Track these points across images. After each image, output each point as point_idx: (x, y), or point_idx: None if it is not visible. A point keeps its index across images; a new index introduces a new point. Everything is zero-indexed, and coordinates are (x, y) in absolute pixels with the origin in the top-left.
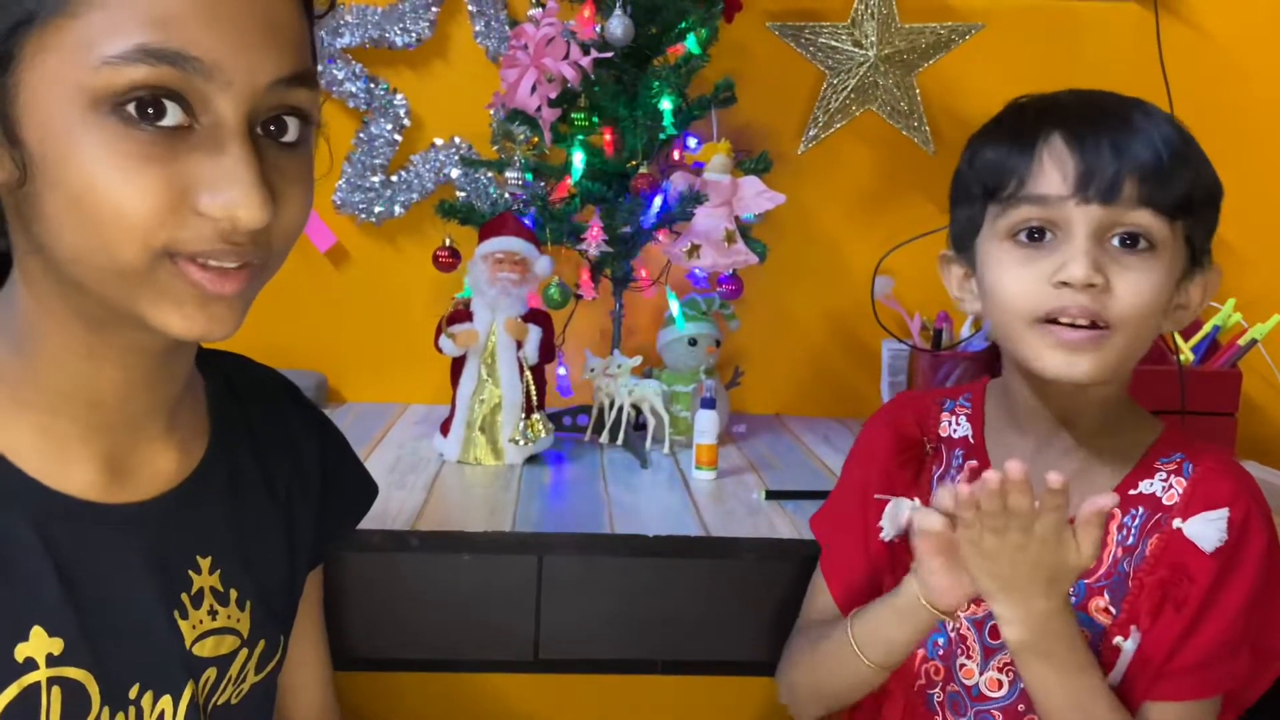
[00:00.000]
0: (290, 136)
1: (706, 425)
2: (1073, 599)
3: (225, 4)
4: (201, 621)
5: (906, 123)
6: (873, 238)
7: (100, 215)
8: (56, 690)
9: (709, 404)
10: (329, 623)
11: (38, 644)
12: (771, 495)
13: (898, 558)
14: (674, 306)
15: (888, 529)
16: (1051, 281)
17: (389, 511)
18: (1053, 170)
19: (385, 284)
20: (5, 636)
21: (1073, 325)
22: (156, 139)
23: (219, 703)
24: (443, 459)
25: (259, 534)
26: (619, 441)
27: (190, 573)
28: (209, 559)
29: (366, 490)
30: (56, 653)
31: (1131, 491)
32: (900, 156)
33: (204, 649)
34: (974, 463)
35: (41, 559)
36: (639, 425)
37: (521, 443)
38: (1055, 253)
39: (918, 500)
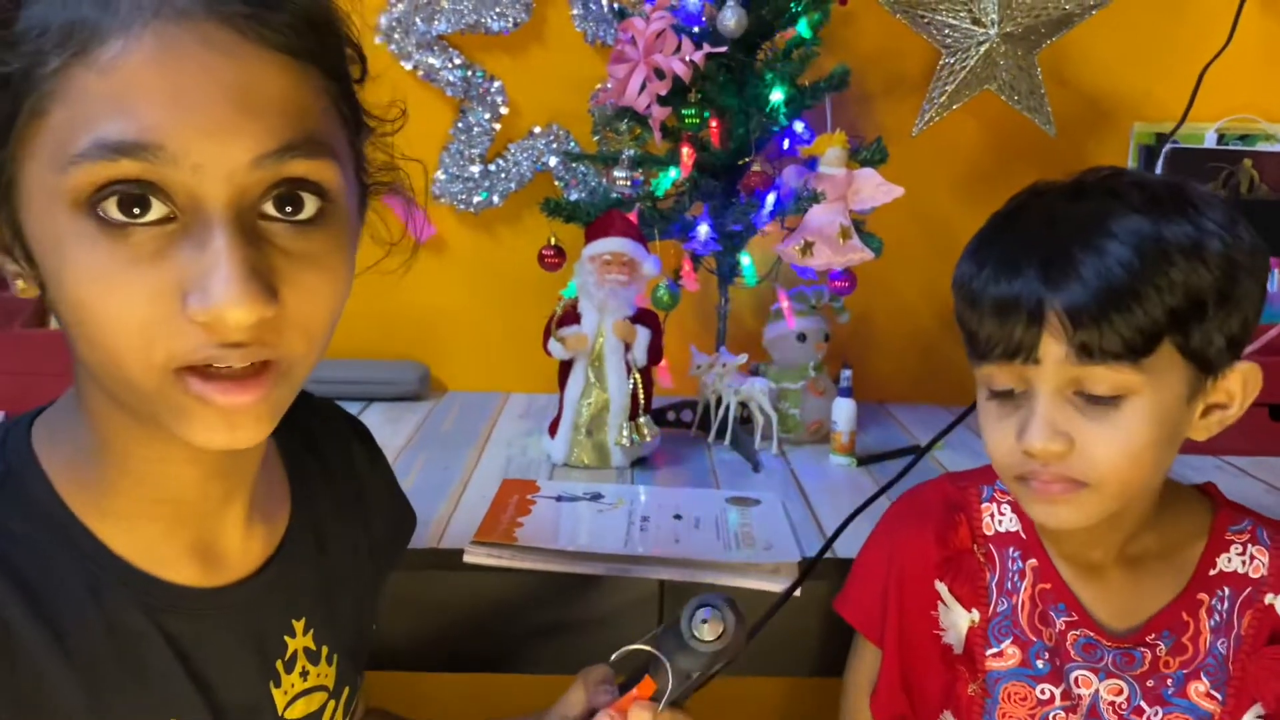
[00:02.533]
0: (306, 213)
1: (843, 414)
2: (1169, 688)
3: (186, 81)
4: (294, 685)
5: (1027, 103)
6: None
7: (97, 332)
8: None
9: (846, 393)
10: (446, 632)
11: None
12: (864, 461)
13: (955, 667)
14: (784, 303)
15: (954, 644)
16: (1019, 445)
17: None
18: (992, 332)
19: (484, 274)
20: None
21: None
22: (141, 240)
23: None
24: (551, 461)
25: (341, 585)
26: (727, 442)
27: (286, 638)
28: (303, 621)
29: (412, 524)
30: None
31: (1212, 571)
32: (1019, 138)
33: (295, 711)
34: (1034, 562)
35: (166, 652)
36: (745, 420)
37: (628, 445)
38: (1021, 409)
39: (976, 613)
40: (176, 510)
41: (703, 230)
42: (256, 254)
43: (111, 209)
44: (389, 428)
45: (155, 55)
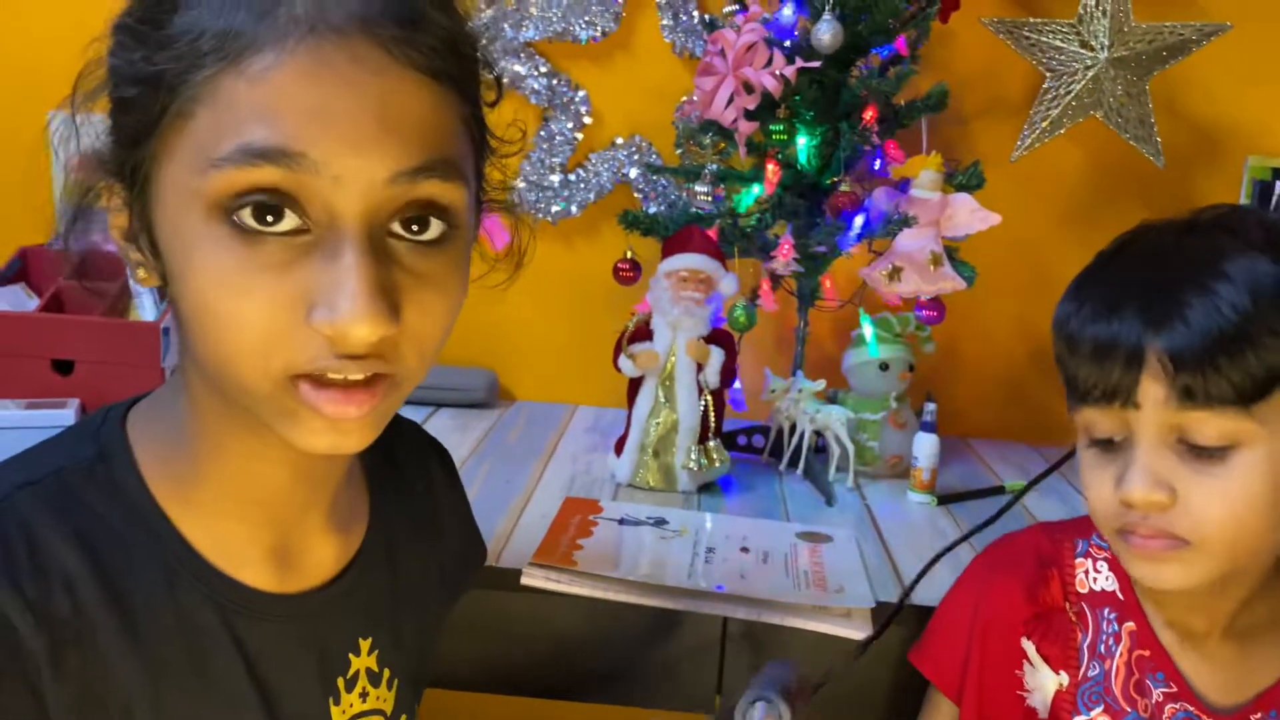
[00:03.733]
0: (431, 234)
1: (925, 449)
2: None
3: (334, 95)
4: (352, 705)
5: (1135, 132)
6: (1084, 255)
7: (218, 334)
8: None
9: (929, 427)
10: (498, 654)
11: None
12: (944, 500)
13: None
14: (867, 330)
15: (1038, 708)
16: (1117, 495)
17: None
18: (1089, 374)
19: (559, 284)
20: None
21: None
22: (272, 249)
23: None
24: (615, 480)
25: (409, 607)
26: (799, 472)
27: (350, 655)
28: (369, 640)
29: (481, 555)
30: None
31: None
32: (1124, 168)
33: None
34: (1131, 625)
35: (233, 654)
36: (819, 449)
37: (695, 469)
38: (1122, 456)
39: (1065, 675)
40: (260, 511)
41: (785, 250)
42: (384, 272)
43: (247, 216)
44: (456, 435)
45: (307, 69)
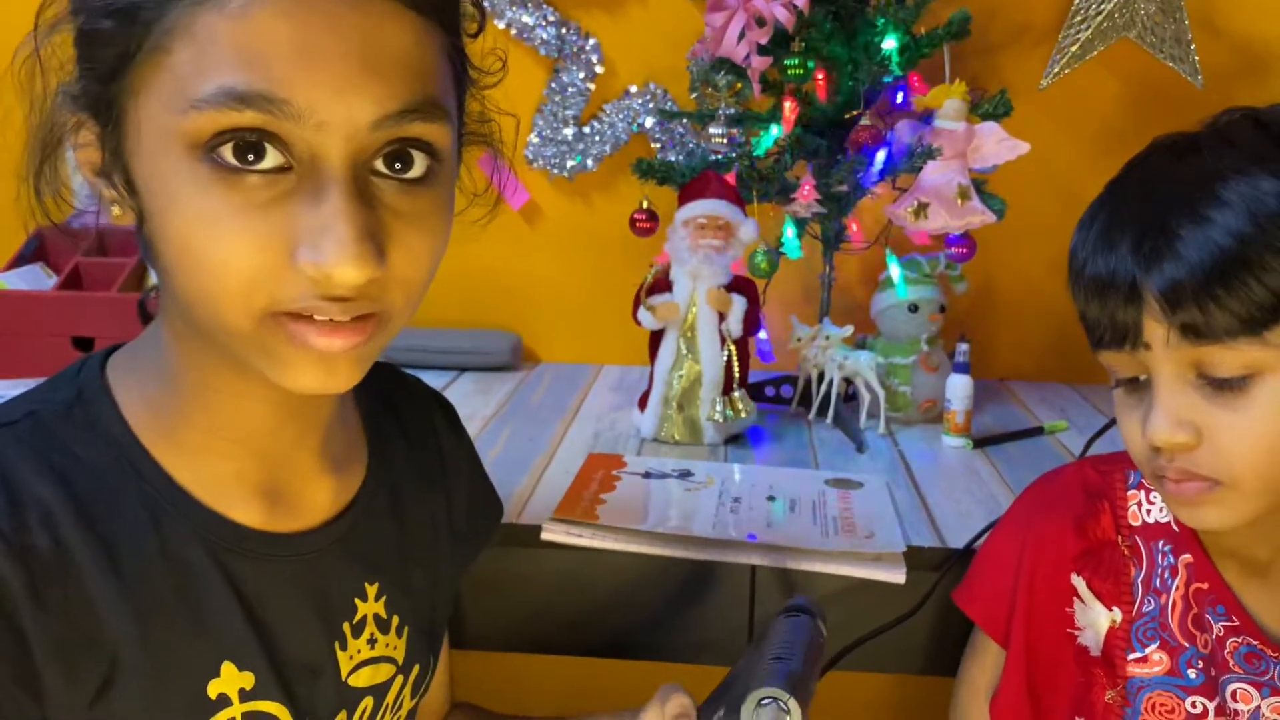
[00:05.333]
0: (415, 172)
1: (959, 391)
2: None
3: (317, 34)
4: (360, 651)
5: (1171, 52)
6: None
7: (201, 275)
8: None
9: (962, 369)
10: (522, 612)
11: (229, 680)
12: (980, 443)
13: (1091, 671)
14: (894, 271)
15: (1090, 645)
16: (1145, 439)
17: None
18: (1097, 314)
19: (578, 242)
20: (197, 674)
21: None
22: (254, 186)
23: None
24: (640, 436)
25: (417, 555)
26: (829, 419)
27: (356, 600)
28: (375, 585)
29: (497, 512)
30: (248, 687)
31: None
32: (1161, 92)
33: (360, 679)
34: (1188, 558)
35: (226, 592)
36: (849, 397)
37: (721, 421)
38: (1148, 396)
39: (1118, 612)
40: (247, 449)
41: (805, 191)
42: (369, 214)
43: (227, 154)
44: (479, 398)
45: (285, 6)
